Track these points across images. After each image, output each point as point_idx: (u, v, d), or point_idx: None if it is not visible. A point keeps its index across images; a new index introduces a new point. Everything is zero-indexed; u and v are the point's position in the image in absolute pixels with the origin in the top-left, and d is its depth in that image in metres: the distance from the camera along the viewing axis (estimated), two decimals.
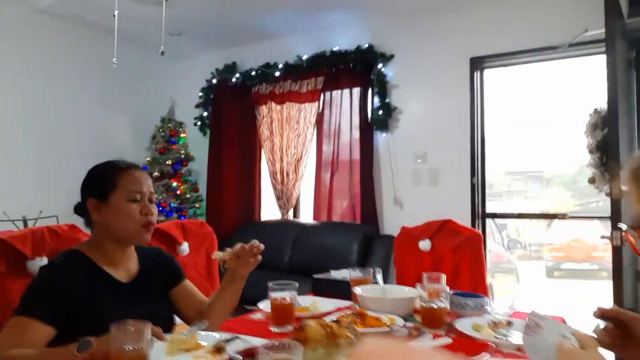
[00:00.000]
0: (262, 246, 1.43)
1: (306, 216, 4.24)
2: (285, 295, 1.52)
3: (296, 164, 4.20)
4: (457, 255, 2.36)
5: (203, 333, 1.34)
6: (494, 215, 3.53)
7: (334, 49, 3.96)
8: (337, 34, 3.99)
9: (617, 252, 2.23)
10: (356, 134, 3.88)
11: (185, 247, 2.17)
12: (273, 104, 4.32)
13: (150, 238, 1.36)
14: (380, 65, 3.78)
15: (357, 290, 1.74)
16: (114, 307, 1.25)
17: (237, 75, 4.43)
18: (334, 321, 1.24)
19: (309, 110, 4.16)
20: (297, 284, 1.55)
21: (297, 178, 4.21)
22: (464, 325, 1.51)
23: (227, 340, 1.31)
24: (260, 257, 1.44)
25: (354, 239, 3.44)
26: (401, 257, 2.50)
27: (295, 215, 4.36)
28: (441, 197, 3.50)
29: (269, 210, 4.43)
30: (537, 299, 7.26)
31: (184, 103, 4.54)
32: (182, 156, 4.25)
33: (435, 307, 1.51)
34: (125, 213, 1.30)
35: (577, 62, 3.38)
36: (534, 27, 3.29)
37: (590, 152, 2.80)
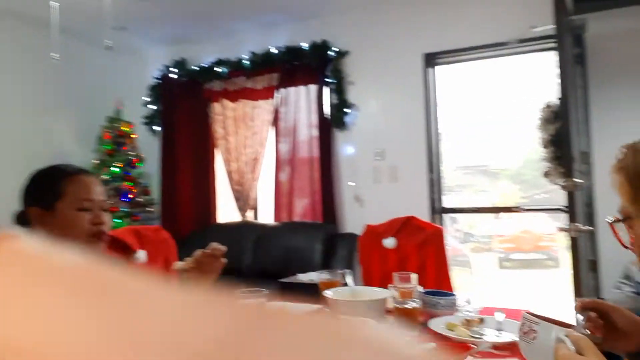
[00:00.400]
0: (223, 248, 1.34)
1: (266, 217, 4.14)
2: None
3: (253, 163, 4.09)
4: (421, 251, 2.36)
5: None
6: (451, 210, 3.59)
7: (288, 45, 3.88)
8: (291, 30, 3.92)
9: (574, 243, 2.30)
10: (314, 131, 3.82)
11: (141, 255, 2.03)
12: (227, 102, 4.19)
13: (102, 249, 1.24)
14: (335, 62, 3.74)
15: (328, 293, 1.68)
16: None
17: (188, 72, 4.26)
18: None
19: (265, 107, 4.06)
20: (266, 291, 1.48)
21: (255, 178, 4.10)
22: (437, 325, 1.49)
23: None
24: (224, 260, 1.35)
25: (317, 239, 3.39)
26: (366, 255, 2.47)
27: (255, 217, 4.25)
28: (400, 193, 3.51)
29: (227, 212, 4.30)
30: (490, 290, 7.53)
31: (131, 101, 4.31)
32: (132, 158, 4.03)
33: (409, 307, 1.48)
34: (74, 223, 1.18)
35: (526, 58, 3.49)
36: (484, 23, 3.35)
37: (544, 146, 2.88)
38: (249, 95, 4.09)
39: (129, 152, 4.02)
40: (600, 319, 0.82)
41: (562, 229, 2.34)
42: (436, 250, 2.32)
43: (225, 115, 4.20)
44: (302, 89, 3.90)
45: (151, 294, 0.14)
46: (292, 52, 3.86)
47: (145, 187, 4.18)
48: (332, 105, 3.75)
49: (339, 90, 3.73)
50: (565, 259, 11.36)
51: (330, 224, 3.63)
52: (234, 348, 0.13)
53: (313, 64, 3.80)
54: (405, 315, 1.48)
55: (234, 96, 4.14)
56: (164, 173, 4.29)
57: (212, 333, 0.13)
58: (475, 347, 1.11)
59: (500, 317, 1.55)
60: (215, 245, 1.32)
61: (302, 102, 3.90)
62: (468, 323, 1.50)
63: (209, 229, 4.08)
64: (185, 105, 4.28)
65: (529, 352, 0.77)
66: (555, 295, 7.39)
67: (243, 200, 4.15)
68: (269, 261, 3.47)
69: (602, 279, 2.98)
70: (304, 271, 2.88)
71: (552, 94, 2.86)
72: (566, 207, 3.27)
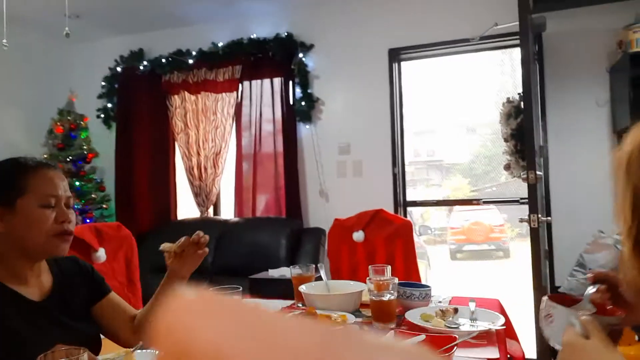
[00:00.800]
0: (207, 237, 1.28)
1: (228, 213, 4.05)
2: None
3: (215, 157, 3.99)
4: (390, 244, 2.37)
5: (139, 351, 1.18)
6: (414, 204, 3.64)
7: (252, 37, 3.80)
8: (255, 22, 3.84)
9: (534, 233, 2.38)
10: (279, 125, 3.76)
11: (101, 254, 1.93)
12: (187, 94, 4.06)
13: (67, 249, 1.16)
14: (300, 55, 3.70)
15: (303, 288, 1.65)
16: (28, 331, 1.04)
17: (145, 62, 4.09)
18: None
19: (227, 100, 3.96)
20: (240, 288, 1.43)
21: (216, 173, 4.00)
22: (413, 316, 1.49)
23: None
24: (207, 250, 1.29)
25: (282, 234, 3.35)
26: (335, 249, 2.46)
27: (215, 213, 4.15)
28: (365, 188, 3.52)
29: (187, 209, 4.17)
30: (443, 281, 7.74)
31: (84, 93, 4.10)
32: (85, 152, 3.83)
33: (385, 300, 1.47)
34: (37, 221, 1.09)
35: (487, 55, 3.58)
36: (448, 20, 3.40)
37: (505, 140, 2.96)
38: (211, 87, 3.97)
39: (82, 146, 3.82)
40: (609, 290, 0.83)
41: (522, 220, 2.41)
42: (404, 243, 2.34)
43: (186, 108, 4.06)
44: (266, 82, 3.83)
45: (276, 317, 0.21)
46: (255, 45, 3.79)
47: (99, 183, 3.99)
48: (297, 99, 3.71)
49: (303, 84, 3.69)
50: (515, 249, 11.87)
51: (295, 219, 3.60)
52: (329, 349, 0.20)
53: (278, 57, 3.74)
54: (381, 308, 1.48)
55: (195, 88, 4.01)
56: (119, 168, 4.10)
57: (315, 339, 0.20)
58: (458, 338, 1.11)
59: (472, 306, 1.57)
60: (200, 233, 1.26)
61: (266, 96, 3.83)
62: (443, 314, 1.51)
63: (169, 226, 3.95)
64: (142, 97, 4.11)
65: (548, 334, 0.79)
66: (505, 284, 7.71)
67: (204, 196, 4.04)
68: (233, 258, 3.40)
69: (557, 268, 3.10)
70: (269, 267, 2.84)
71: (511, 89, 2.95)
72: (522, 198, 3.39)
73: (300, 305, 1.73)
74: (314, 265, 1.79)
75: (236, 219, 3.80)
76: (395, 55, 3.56)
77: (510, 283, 7.74)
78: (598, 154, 3.07)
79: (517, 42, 3.23)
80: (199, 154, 4.04)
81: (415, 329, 1.36)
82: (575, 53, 3.12)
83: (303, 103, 3.68)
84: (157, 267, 3.15)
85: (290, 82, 3.73)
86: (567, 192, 3.13)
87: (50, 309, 1.14)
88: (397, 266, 2.31)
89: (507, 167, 2.98)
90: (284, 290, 1.93)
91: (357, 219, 2.44)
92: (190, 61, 3.95)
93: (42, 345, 0.98)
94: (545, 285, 2.62)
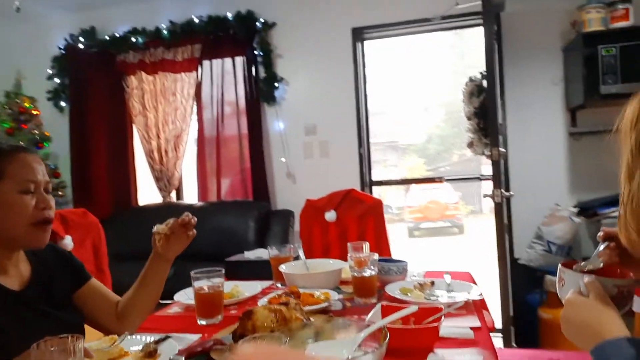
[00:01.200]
0: (195, 218, 1.26)
1: (192, 197, 3.97)
2: (211, 283, 1.38)
3: (176, 140, 3.88)
4: (361, 223, 2.40)
5: (125, 338, 1.15)
6: (379, 183, 3.69)
7: (211, 15, 3.68)
8: None
9: (498, 208, 2.48)
10: (242, 106, 3.69)
11: (68, 242, 1.85)
12: (144, 74, 3.89)
13: (47, 240, 1.10)
14: (262, 34, 3.62)
15: (283, 268, 1.65)
16: (11, 322, 0.99)
17: (98, 41, 3.89)
18: (282, 304, 1.14)
19: (187, 81, 3.84)
20: (223, 270, 1.41)
21: (177, 156, 3.89)
22: (392, 290, 1.53)
23: (157, 342, 1.14)
24: (195, 232, 1.27)
25: (249, 217, 3.32)
26: (307, 229, 2.47)
27: (178, 197, 4.05)
28: (332, 168, 3.54)
29: (148, 194, 4.05)
30: (403, 258, 7.97)
31: (33, 74, 3.85)
32: (37, 137, 3.62)
33: (367, 275, 1.50)
34: (17, 208, 1.04)
35: (447, 35, 3.63)
36: None
37: (469, 118, 3.04)
38: (169, 67, 3.83)
39: (33, 131, 3.61)
40: (619, 247, 0.87)
41: (486, 195, 2.50)
42: (376, 221, 2.38)
43: (143, 89, 3.90)
44: (227, 61, 3.73)
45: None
46: (215, 22, 3.67)
47: (53, 170, 3.79)
48: (260, 79, 3.65)
49: (267, 64, 3.63)
50: (468, 225, 12.31)
51: (263, 201, 3.57)
52: None
53: (239, 36, 3.65)
54: (363, 283, 1.50)
55: (152, 68, 3.86)
56: (74, 153, 3.91)
57: None
58: (444, 308, 1.15)
59: (448, 278, 1.63)
60: (189, 214, 1.23)
61: (228, 76, 3.74)
62: (421, 287, 1.56)
63: (129, 212, 3.83)
64: (96, 78, 3.91)
65: (561, 297, 0.84)
66: (461, 258, 8.03)
67: (165, 180, 3.92)
68: (201, 243, 3.29)
69: (516, 240, 3.24)
70: (239, 251, 2.82)
71: (467, 70, 3.02)
72: (482, 175, 3.51)
73: (280, 285, 1.74)
74: (291, 246, 1.79)
75: (201, 203, 3.73)
76: (359, 35, 3.55)
77: (465, 257, 8.07)
78: (553, 130, 3.22)
79: (477, 22, 3.32)
80: (158, 136, 3.91)
81: (397, 302, 1.40)
82: (531, 33, 3.22)
83: (266, 83, 3.62)
84: (120, 255, 3.06)
85: (253, 62, 3.65)
86: (524, 167, 3.26)
87: (31, 299, 1.09)
88: (369, 244, 2.35)
89: (470, 145, 3.07)
90: (261, 271, 1.93)
91: (328, 199, 2.45)
92: (146, 40, 3.78)
93: (25, 335, 0.94)
94: (504, 255, 2.73)
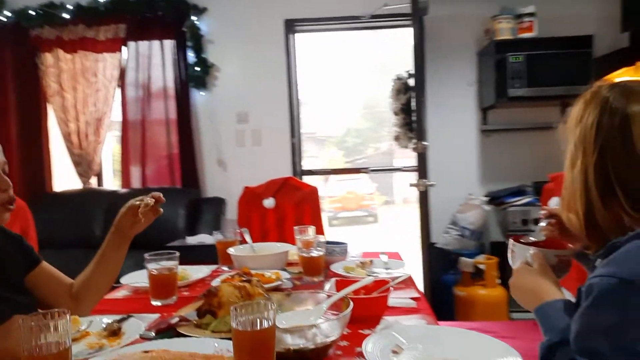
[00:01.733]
0: (162, 199, 1.27)
1: (114, 184, 3.81)
2: (166, 265, 1.40)
3: (97, 123, 3.69)
4: (299, 209, 2.51)
5: (84, 319, 1.15)
6: (310, 173, 3.81)
7: None
8: None
9: (422, 196, 2.71)
10: (171, 91, 3.60)
11: None
12: (61, 52, 3.65)
13: (9, 218, 1.07)
14: (193, 18, 3.56)
15: (232, 251, 1.71)
16: None
17: (8, 14, 3.57)
18: (244, 281, 1.21)
19: (110, 61, 3.66)
20: (177, 253, 1.44)
21: (98, 140, 3.70)
22: (336, 269, 1.66)
23: (119, 321, 1.15)
24: (161, 210, 1.28)
25: (179, 204, 3.27)
26: (245, 215, 2.52)
27: (99, 183, 3.86)
28: (264, 157, 3.59)
29: (65, 179, 3.81)
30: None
31: None
32: None
33: (315, 255, 1.60)
34: None
35: (375, 34, 3.82)
36: None
37: (395, 114, 3.25)
38: (91, 46, 3.62)
39: None
40: (559, 223, 1.01)
41: (412, 184, 2.72)
42: (312, 208, 2.50)
43: (60, 67, 3.65)
44: (155, 44, 3.61)
45: None
46: (143, 3, 3.53)
47: None
48: (190, 64, 3.58)
49: (197, 49, 3.57)
50: (382, 215, 12.93)
51: (192, 188, 3.53)
52: None
53: (167, 18, 3.54)
54: (311, 263, 1.61)
55: (72, 47, 3.62)
56: None
57: None
58: (391, 281, 1.29)
59: (385, 258, 1.79)
60: (157, 194, 1.24)
61: (156, 59, 3.62)
62: (362, 265, 1.71)
63: (45, 199, 3.59)
64: (4, 53, 3.59)
65: (512, 266, 0.99)
66: (375, 244, 8.48)
67: (85, 165, 3.72)
68: None
69: (433, 227, 3.53)
70: (169, 238, 2.80)
71: (391, 68, 3.22)
72: (405, 167, 3.77)
73: (226, 268, 1.79)
74: (238, 230, 1.84)
75: (125, 190, 3.60)
76: (291, 27, 3.62)
77: (380, 243, 8.52)
78: (467, 128, 3.54)
79: (403, 22, 3.54)
80: (77, 119, 3.69)
81: (339, 277, 1.52)
82: (450, 37, 3.51)
83: (197, 68, 3.57)
84: (38, 242, 2.88)
85: (183, 46, 3.58)
86: (442, 160, 3.55)
87: None
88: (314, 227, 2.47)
89: (397, 138, 3.29)
90: (203, 256, 1.96)
91: (267, 187, 2.52)
92: (66, 16, 3.55)
93: None
94: (423, 239, 2.98)
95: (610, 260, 0.69)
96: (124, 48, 3.64)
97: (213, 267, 1.80)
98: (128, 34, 3.60)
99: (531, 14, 3.09)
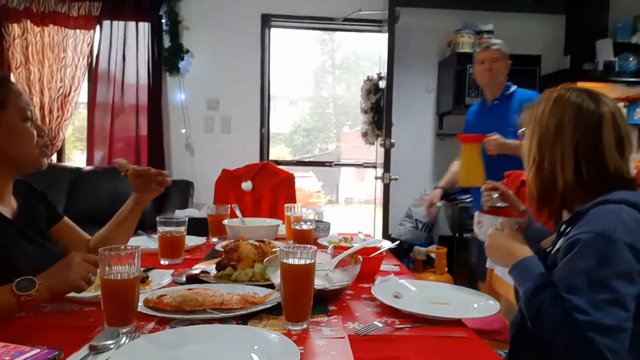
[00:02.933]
0: (169, 180, 1.40)
1: (79, 161, 3.76)
2: (176, 228, 1.53)
3: (63, 99, 3.64)
4: (274, 193, 2.66)
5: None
6: (277, 163, 3.95)
7: None
8: None
9: (386, 188, 2.95)
10: (143, 73, 3.62)
11: None
12: (30, 24, 3.57)
13: (46, 164, 1.18)
14: (171, 3, 3.60)
15: (226, 222, 1.84)
16: (10, 245, 1.06)
17: None
18: (259, 241, 1.37)
19: (81, 38, 3.63)
20: (186, 219, 1.57)
21: (64, 117, 3.65)
22: (323, 242, 1.84)
23: (144, 271, 1.27)
24: (162, 189, 1.40)
25: None
26: (222, 197, 2.64)
27: (60, 160, 3.80)
28: (232, 144, 3.69)
29: None
30: None
31: None
32: None
33: (306, 228, 1.78)
34: (26, 135, 1.10)
35: (347, 36, 4.04)
36: None
37: (365, 112, 3.48)
38: (62, 21, 3.58)
39: None
40: (502, 195, 1.28)
41: (377, 178, 2.96)
42: (287, 193, 2.66)
43: (27, 40, 3.57)
44: (130, 25, 3.63)
45: None
46: None
47: None
48: (164, 48, 3.63)
49: (173, 33, 3.62)
50: (327, 213, 13.22)
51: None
52: None
53: (145, 1, 3.57)
54: (302, 235, 1.78)
55: (41, 19, 3.55)
56: None
57: None
58: (381, 247, 1.49)
59: (362, 235, 2.01)
60: (165, 172, 1.37)
61: (131, 40, 3.64)
62: (345, 240, 1.90)
63: None
64: None
65: (478, 233, 1.19)
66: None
67: (47, 140, 3.65)
68: (92, 207, 3.24)
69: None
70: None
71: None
72: (366, 163, 4.01)
73: (216, 239, 1.92)
74: (229, 206, 1.98)
75: (90, 168, 3.58)
76: (267, 21, 3.76)
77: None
78: (425, 131, 3.84)
79: (373, 28, 3.78)
80: (42, 93, 3.62)
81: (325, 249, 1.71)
82: (415, 45, 3.79)
83: (171, 53, 3.62)
84: None
85: (158, 30, 3.61)
86: (400, 159, 3.83)
87: (22, 228, 1.14)
88: (279, 212, 2.62)
89: (364, 135, 3.52)
90: (192, 228, 2.07)
91: (245, 170, 2.65)
92: None
93: (22, 259, 1.03)
94: (382, 230, 3.23)
95: (584, 222, 0.92)
96: (97, 27, 3.62)
97: (203, 238, 1.93)
98: (102, 12, 3.59)
99: (490, 32, 3.43)
